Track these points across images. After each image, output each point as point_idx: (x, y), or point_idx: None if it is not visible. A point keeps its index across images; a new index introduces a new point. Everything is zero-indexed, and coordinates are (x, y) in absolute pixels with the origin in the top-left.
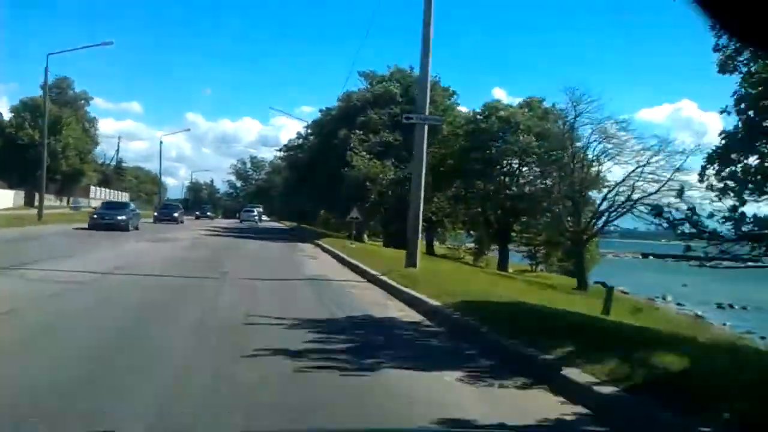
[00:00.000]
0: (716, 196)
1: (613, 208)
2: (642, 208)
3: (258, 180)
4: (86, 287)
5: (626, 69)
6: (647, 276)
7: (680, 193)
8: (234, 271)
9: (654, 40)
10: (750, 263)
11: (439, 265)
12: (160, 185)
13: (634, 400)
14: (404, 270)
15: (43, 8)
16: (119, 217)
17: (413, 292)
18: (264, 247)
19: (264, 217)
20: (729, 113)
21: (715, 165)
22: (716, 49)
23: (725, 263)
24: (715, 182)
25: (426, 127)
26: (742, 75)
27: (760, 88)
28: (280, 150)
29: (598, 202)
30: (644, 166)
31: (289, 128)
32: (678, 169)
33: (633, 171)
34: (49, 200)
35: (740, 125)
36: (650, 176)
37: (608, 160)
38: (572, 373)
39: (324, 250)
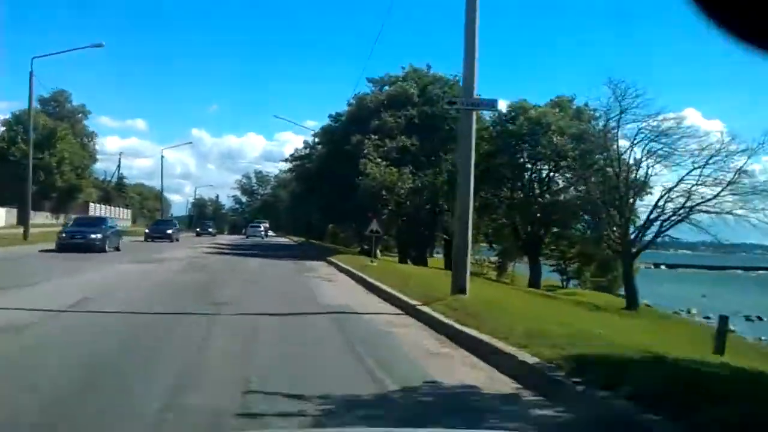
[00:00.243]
0: None
1: (665, 217)
2: (698, 216)
3: (263, 195)
4: (14, 336)
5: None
6: (666, 287)
7: None
8: (232, 302)
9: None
10: None
11: (487, 288)
12: (162, 201)
13: None
14: (451, 298)
15: (44, 23)
16: (93, 236)
17: (479, 335)
18: (270, 267)
19: (270, 233)
20: None
21: None
22: None
23: None
24: None
25: (474, 115)
26: None
27: None
28: (286, 161)
29: (641, 210)
30: (702, 167)
31: (294, 143)
32: (742, 171)
33: (689, 173)
34: (44, 218)
35: None
36: (708, 179)
37: (658, 162)
38: None
39: (339, 269)
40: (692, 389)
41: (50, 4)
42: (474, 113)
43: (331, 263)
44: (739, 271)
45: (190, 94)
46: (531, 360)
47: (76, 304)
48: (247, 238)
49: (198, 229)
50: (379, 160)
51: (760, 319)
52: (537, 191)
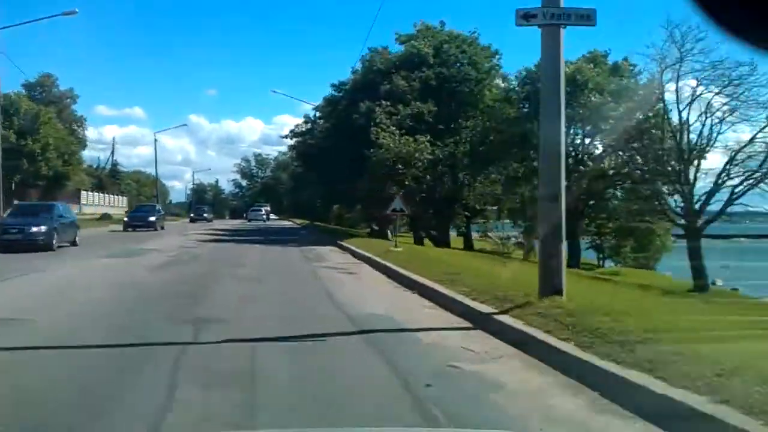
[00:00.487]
0: None
1: (737, 181)
2: None
3: (263, 178)
4: None
5: None
6: (682, 258)
7: None
8: (221, 318)
9: None
10: None
11: (578, 283)
12: (157, 186)
13: None
14: (544, 303)
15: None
16: (34, 229)
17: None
18: (274, 257)
19: (272, 216)
20: None
21: None
22: None
23: None
24: None
25: (562, 38)
26: None
27: None
28: (285, 137)
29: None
30: None
31: (293, 126)
32: None
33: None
34: None
35: None
36: None
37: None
38: None
39: (356, 256)
40: None
41: None
42: (561, 34)
43: (344, 249)
44: None
45: (186, 79)
46: None
47: None
48: (249, 221)
49: (192, 215)
50: (393, 128)
51: None
52: (578, 158)
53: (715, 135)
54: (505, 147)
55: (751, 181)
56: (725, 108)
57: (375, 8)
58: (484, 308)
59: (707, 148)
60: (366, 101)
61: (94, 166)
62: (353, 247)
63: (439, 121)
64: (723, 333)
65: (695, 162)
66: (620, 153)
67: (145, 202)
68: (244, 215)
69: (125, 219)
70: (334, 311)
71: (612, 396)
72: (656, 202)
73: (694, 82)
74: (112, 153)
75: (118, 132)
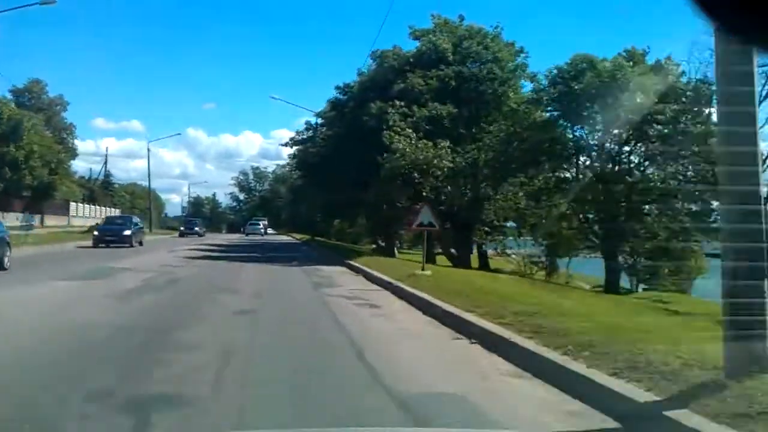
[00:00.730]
0: None
1: None
2: None
3: (262, 191)
4: None
5: None
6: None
7: None
8: (187, 396)
9: None
10: None
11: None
12: (150, 197)
13: None
14: (745, 387)
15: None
16: None
17: None
18: (273, 280)
19: (269, 230)
20: None
21: None
22: None
23: None
24: None
25: None
26: None
27: None
28: (285, 145)
29: None
30: None
31: (287, 156)
32: None
33: None
34: (14, 219)
35: None
36: None
37: None
38: None
39: (373, 280)
40: None
41: None
42: None
43: (354, 270)
44: None
45: (184, 92)
46: None
47: None
48: (246, 235)
49: (182, 229)
50: (409, 130)
51: None
52: (625, 168)
53: None
54: (531, 155)
55: None
56: None
57: (374, 18)
58: (643, 393)
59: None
60: (377, 101)
61: (87, 178)
62: (366, 268)
63: (459, 125)
64: None
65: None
66: (669, 162)
67: (129, 213)
68: (242, 229)
69: (95, 233)
70: (372, 387)
71: None
72: (704, 219)
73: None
74: (105, 164)
75: (116, 145)
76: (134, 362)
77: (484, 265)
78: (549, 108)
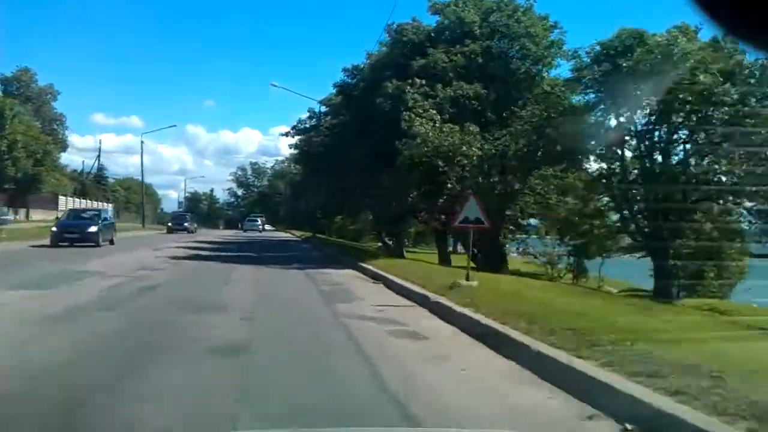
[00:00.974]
0: None
1: None
2: None
3: (260, 187)
4: None
5: None
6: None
7: None
8: None
9: None
10: None
11: None
12: (143, 190)
13: None
14: None
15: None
16: None
17: None
18: (271, 290)
19: (267, 227)
20: None
21: None
22: None
23: None
24: None
25: None
26: None
27: None
28: (286, 134)
29: None
30: None
31: (287, 146)
32: None
33: None
34: None
35: None
36: None
37: None
38: None
39: (399, 291)
40: None
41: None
42: None
43: (371, 275)
44: None
45: (184, 88)
46: None
47: None
48: (245, 232)
49: (170, 224)
50: (433, 111)
51: None
52: (658, 158)
53: None
54: (566, 144)
55: None
56: None
57: (374, 20)
58: None
59: None
60: (394, 80)
61: (79, 171)
62: (385, 274)
63: (487, 109)
64: None
65: None
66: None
67: (123, 208)
68: (240, 225)
69: (53, 229)
70: None
71: None
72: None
73: None
74: (98, 157)
75: (115, 141)
76: None
77: (497, 264)
78: (590, 90)
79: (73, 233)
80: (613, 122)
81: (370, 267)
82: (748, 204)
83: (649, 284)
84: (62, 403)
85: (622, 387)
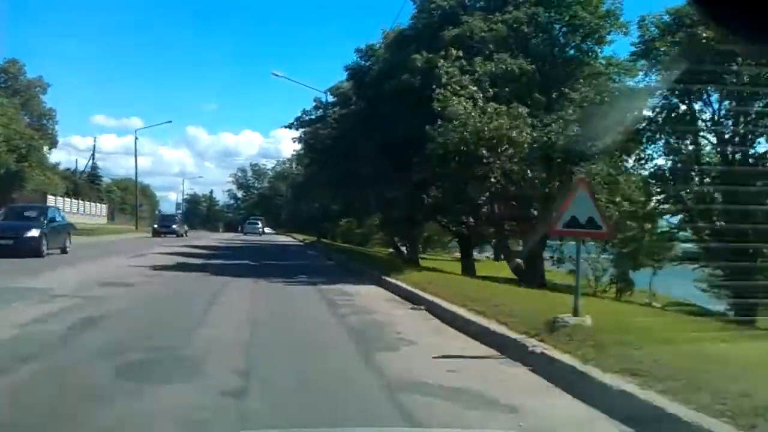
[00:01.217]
0: None
1: None
2: None
3: (260, 189)
4: None
5: None
6: None
7: None
8: None
9: None
10: None
11: None
12: (136, 190)
13: None
14: None
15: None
16: None
17: None
18: (273, 323)
19: (267, 230)
20: None
21: None
22: None
23: None
24: None
25: None
26: None
27: None
28: (290, 126)
29: None
30: None
31: (291, 140)
32: None
33: None
34: None
35: None
36: None
37: None
38: None
39: (463, 328)
40: None
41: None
42: None
43: (404, 295)
44: None
45: (185, 89)
46: None
47: None
48: (244, 234)
49: (155, 227)
50: (474, 88)
51: None
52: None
53: None
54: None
55: None
56: None
57: (374, 20)
58: None
59: None
60: (423, 53)
61: (72, 170)
62: (427, 295)
63: (542, 85)
64: None
65: None
66: None
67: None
68: (240, 228)
69: None
70: None
71: None
72: None
73: None
74: (92, 156)
75: (116, 142)
76: None
77: (532, 278)
78: (655, 68)
79: (7, 236)
80: (682, 108)
81: (400, 283)
82: None
83: (693, 296)
84: None
85: None
